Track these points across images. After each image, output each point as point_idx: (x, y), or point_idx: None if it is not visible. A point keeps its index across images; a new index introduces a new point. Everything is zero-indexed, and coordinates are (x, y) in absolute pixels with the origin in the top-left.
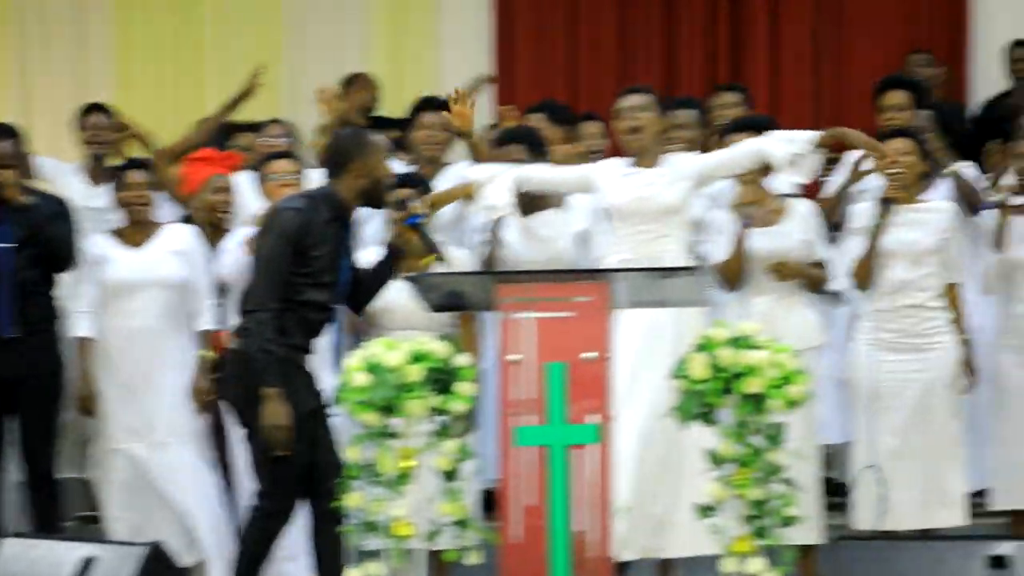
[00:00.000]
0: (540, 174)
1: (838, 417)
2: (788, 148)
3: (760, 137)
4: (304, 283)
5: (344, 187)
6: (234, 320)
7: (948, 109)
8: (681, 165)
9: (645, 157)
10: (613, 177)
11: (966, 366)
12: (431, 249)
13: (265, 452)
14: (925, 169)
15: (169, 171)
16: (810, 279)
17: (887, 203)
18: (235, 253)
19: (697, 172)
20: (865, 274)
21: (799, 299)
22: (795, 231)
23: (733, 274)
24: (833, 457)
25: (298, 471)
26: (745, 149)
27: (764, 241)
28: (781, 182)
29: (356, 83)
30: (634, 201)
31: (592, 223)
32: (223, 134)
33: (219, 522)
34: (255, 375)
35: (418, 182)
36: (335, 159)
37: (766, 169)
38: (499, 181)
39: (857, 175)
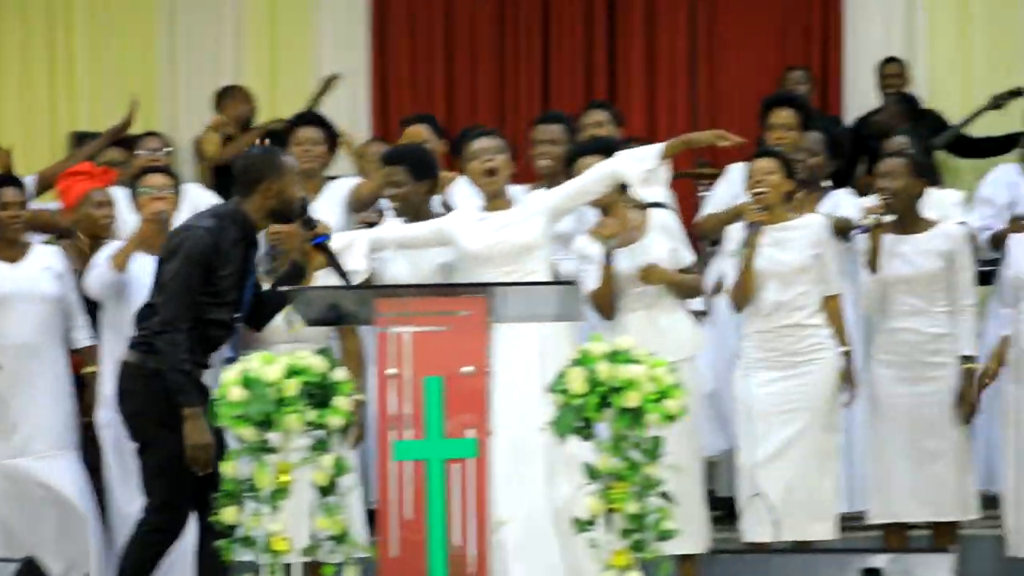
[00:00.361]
0: (395, 233)
1: (713, 428)
2: (640, 167)
3: (609, 159)
4: (209, 302)
5: (253, 206)
6: (112, 336)
7: (835, 130)
8: (534, 201)
9: (498, 198)
10: (467, 225)
11: (846, 378)
12: (338, 269)
13: (160, 467)
14: (790, 188)
15: (40, 199)
16: (680, 285)
17: (755, 224)
18: (101, 268)
19: (551, 206)
20: (741, 296)
21: (671, 310)
22: (658, 243)
23: (605, 301)
24: (711, 469)
25: (191, 487)
26: (597, 174)
27: (629, 259)
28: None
29: (231, 95)
30: (491, 246)
31: (456, 258)
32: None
33: (101, 537)
34: (168, 394)
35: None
36: (245, 178)
37: (620, 189)
38: (356, 246)
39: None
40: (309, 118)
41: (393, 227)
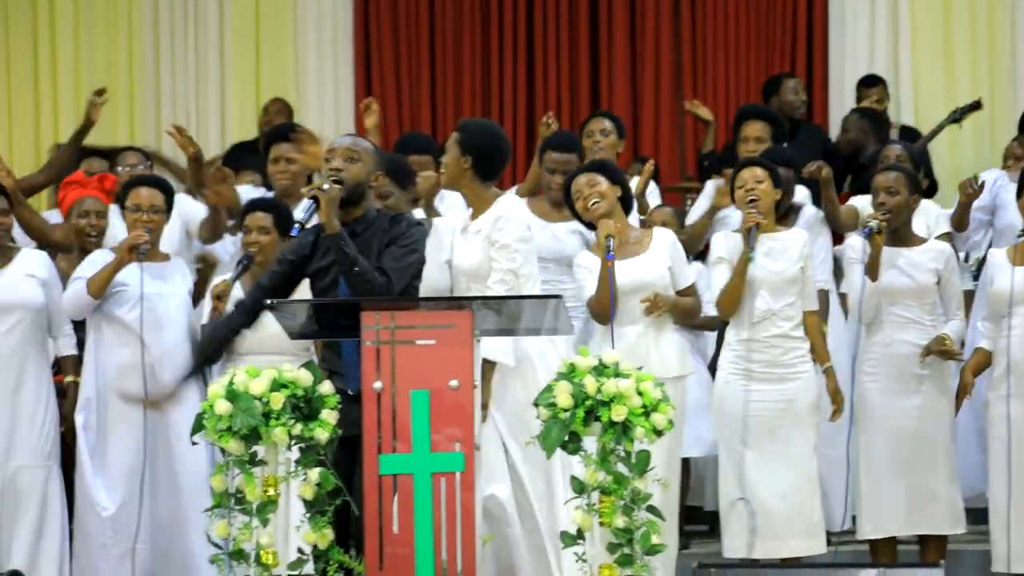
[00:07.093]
0: None
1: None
2: None
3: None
4: None
5: None
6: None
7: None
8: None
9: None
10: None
11: (833, 393)
12: None
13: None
14: (776, 197)
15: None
16: (677, 308)
17: (755, 228)
18: (78, 290)
19: None
20: (731, 304)
21: (666, 329)
22: (658, 260)
23: (602, 303)
24: (697, 484)
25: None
26: None
27: (631, 272)
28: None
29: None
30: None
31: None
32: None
33: (65, 552)
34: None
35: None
36: None
37: (620, 200)
38: None
39: (716, 207)
40: (283, 134)
41: None
